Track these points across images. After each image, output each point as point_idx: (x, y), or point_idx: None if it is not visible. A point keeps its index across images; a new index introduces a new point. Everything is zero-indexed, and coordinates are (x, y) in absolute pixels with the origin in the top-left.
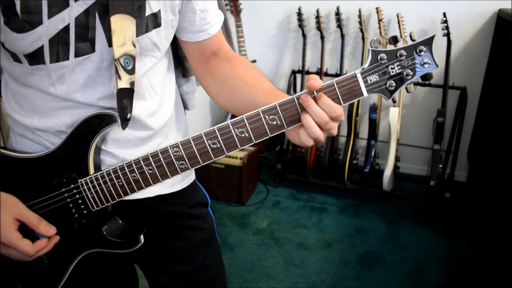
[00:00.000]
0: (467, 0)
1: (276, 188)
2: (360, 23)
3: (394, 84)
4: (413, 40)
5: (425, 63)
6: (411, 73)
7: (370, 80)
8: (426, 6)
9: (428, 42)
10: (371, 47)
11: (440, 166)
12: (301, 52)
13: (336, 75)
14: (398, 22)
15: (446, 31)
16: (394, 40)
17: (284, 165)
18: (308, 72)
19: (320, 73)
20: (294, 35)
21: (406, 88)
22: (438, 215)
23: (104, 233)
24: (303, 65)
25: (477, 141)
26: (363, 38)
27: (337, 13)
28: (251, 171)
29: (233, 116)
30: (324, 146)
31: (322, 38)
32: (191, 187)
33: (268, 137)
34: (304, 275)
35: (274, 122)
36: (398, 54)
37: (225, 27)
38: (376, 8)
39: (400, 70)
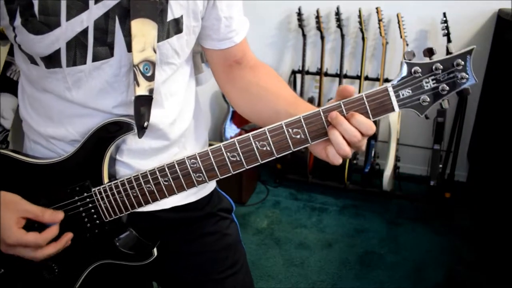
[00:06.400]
0: (467, 0)
1: (276, 188)
2: (360, 23)
3: (428, 99)
4: (450, 53)
5: (462, 78)
6: (447, 88)
7: (403, 95)
8: (426, 6)
9: (467, 55)
10: (405, 59)
11: (440, 166)
12: (301, 52)
13: (336, 75)
14: (398, 22)
15: (446, 31)
16: (429, 52)
17: (284, 165)
18: (308, 72)
19: (320, 73)
20: (294, 35)
21: (441, 104)
22: (438, 215)
23: (117, 244)
24: (303, 65)
25: (477, 141)
26: (363, 38)
27: (337, 13)
28: (251, 171)
29: (234, 116)
30: None
31: (322, 38)
32: (209, 196)
33: (290, 151)
34: (304, 275)
35: (298, 136)
36: (433, 68)
37: None
38: (376, 8)
39: (435, 85)
